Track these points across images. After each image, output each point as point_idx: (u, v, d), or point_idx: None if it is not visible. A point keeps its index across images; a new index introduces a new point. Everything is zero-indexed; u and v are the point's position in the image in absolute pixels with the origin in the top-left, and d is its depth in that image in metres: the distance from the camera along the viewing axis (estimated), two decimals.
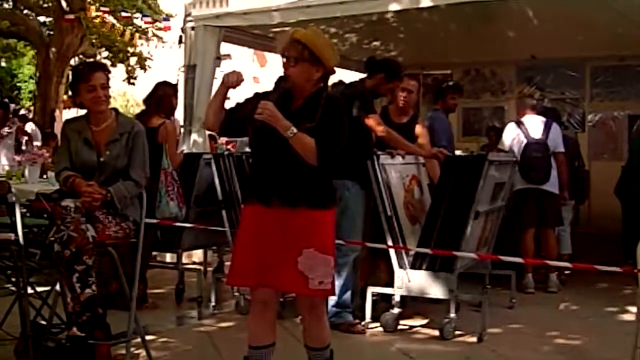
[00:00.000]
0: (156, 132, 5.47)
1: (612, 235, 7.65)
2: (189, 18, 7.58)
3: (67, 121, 4.23)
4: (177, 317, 5.59)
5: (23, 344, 3.78)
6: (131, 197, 3.99)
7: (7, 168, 8.63)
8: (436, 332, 4.90)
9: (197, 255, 7.26)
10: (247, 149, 5.58)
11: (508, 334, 5.08)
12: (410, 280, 4.95)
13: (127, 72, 19.60)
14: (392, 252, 4.98)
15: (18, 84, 27.40)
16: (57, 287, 3.97)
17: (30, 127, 12.88)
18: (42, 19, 17.95)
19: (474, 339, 4.83)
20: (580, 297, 6.29)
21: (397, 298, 5.01)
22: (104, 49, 18.69)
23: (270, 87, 3.42)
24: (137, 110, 5.92)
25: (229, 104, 3.44)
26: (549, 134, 6.54)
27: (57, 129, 13.14)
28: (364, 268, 5.49)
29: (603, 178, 8.32)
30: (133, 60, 19.24)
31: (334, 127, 3.24)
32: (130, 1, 17.11)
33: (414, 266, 4.96)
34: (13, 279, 3.94)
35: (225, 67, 9.01)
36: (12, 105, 11.06)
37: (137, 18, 17.98)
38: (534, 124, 6.60)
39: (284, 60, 3.28)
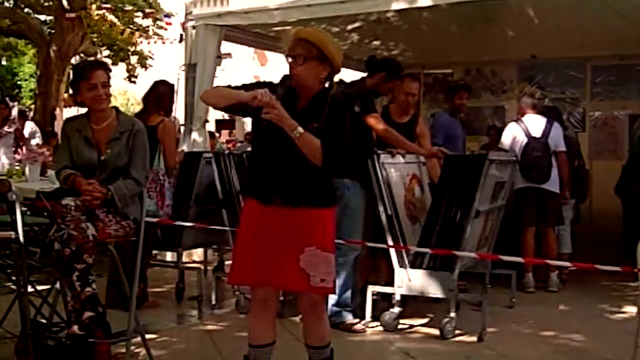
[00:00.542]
0: (156, 130, 5.46)
1: (613, 234, 7.65)
2: (189, 17, 7.58)
3: (68, 120, 4.23)
4: (178, 316, 5.59)
5: (23, 342, 3.78)
6: (132, 196, 3.98)
7: (7, 167, 8.63)
8: (436, 332, 4.90)
9: (198, 254, 7.26)
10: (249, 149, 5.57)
11: (508, 334, 5.08)
12: (411, 279, 4.95)
13: (128, 70, 19.59)
14: (392, 251, 4.98)
15: (19, 83, 27.40)
16: (58, 285, 3.98)
17: (30, 125, 12.87)
18: (42, 17, 17.93)
19: (474, 339, 4.83)
20: (580, 297, 6.28)
21: (397, 297, 5.01)
22: (104, 47, 18.68)
23: None
24: (138, 108, 5.93)
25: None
26: (549, 133, 6.54)
27: (58, 127, 13.14)
28: (364, 267, 5.49)
29: (603, 177, 8.32)
30: (134, 59, 19.23)
31: (338, 128, 3.25)
32: (131, 0, 17.10)
33: (414, 265, 4.96)
34: (13, 277, 3.95)
35: (225, 66, 9.02)
36: (15, 104, 11.04)
37: (138, 17, 17.99)
38: (535, 123, 6.60)
39: (290, 59, 3.27)
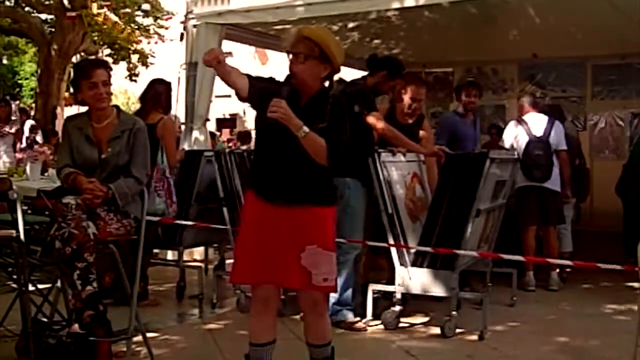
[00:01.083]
0: (155, 128, 5.46)
1: (613, 233, 7.65)
2: (190, 15, 7.58)
3: (69, 118, 4.23)
4: (178, 315, 5.59)
5: (24, 341, 3.78)
6: (132, 194, 3.98)
7: (8, 165, 8.65)
8: (437, 330, 4.90)
9: (199, 252, 7.26)
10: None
11: (509, 332, 5.08)
12: (411, 277, 4.95)
13: (129, 69, 19.60)
14: (393, 249, 4.98)
15: (19, 81, 27.44)
16: (58, 284, 3.98)
17: (30, 123, 12.88)
18: (43, 16, 17.93)
19: (475, 337, 4.83)
20: (581, 295, 6.28)
21: (398, 296, 5.01)
22: (105, 46, 18.68)
23: None
24: (139, 107, 5.94)
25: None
26: (551, 132, 6.53)
27: (59, 126, 13.15)
28: (365, 266, 5.49)
29: (604, 176, 8.32)
30: (135, 58, 19.24)
31: (341, 128, 3.26)
32: None
33: (415, 264, 4.96)
34: (14, 276, 3.94)
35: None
36: (17, 103, 11.08)
37: (139, 16, 17.99)
38: (536, 121, 6.59)
39: (292, 57, 3.27)
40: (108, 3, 15.70)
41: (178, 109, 8.79)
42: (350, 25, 8.03)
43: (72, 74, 4.41)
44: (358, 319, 5.03)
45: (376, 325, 5.06)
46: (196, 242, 6.34)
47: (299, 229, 3.22)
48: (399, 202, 5.08)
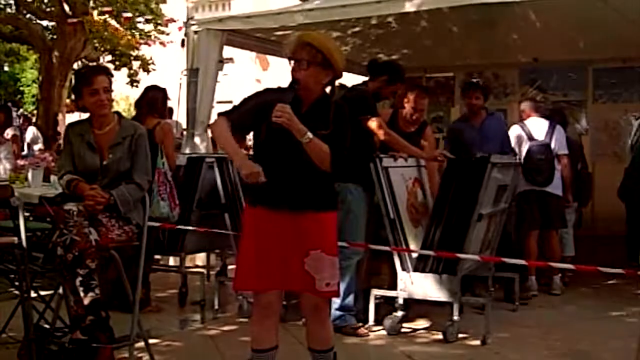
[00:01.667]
0: (152, 133, 5.46)
1: (616, 237, 7.62)
2: (191, 22, 7.59)
3: (70, 125, 4.24)
4: (180, 321, 5.58)
5: (26, 347, 3.78)
6: (134, 201, 3.99)
7: (9, 172, 8.64)
8: (439, 335, 4.89)
9: (200, 258, 7.26)
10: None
11: (512, 337, 5.07)
12: (414, 282, 4.95)
13: (130, 75, 19.63)
14: (395, 254, 4.98)
15: (21, 88, 27.45)
16: (60, 290, 3.98)
17: (32, 131, 12.90)
18: (45, 23, 17.99)
19: (478, 342, 4.82)
20: (583, 299, 6.28)
21: (400, 301, 5.01)
22: (107, 52, 18.72)
23: None
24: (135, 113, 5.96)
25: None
26: (552, 136, 6.54)
27: (60, 132, 13.16)
28: (366, 271, 5.48)
29: (606, 180, 8.29)
30: (136, 64, 19.27)
31: (344, 134, 3.27)
32: (132, 5, 17.12)
33: (417, 269, 4.95)
34: (16, 283, 3.95)
35: (227, 71, 9.02)
36: (21, 109, 11.11)
37: (140, 22, 18.01)
38: (538, 126, 6.59)
39: (294, 63, 3.28)
40: (109, 9, 15.75)
41: (179, 115, 8.77)
42: (350, 30, 8.04)
43: (73, 80, 4.42)
44: (360, 324, 5.03)
45: (378, 330, 5.05)
46: (198, 248, 6.34)
47: (302, 234, 3.22)
48: (401, 207, 5.07)
